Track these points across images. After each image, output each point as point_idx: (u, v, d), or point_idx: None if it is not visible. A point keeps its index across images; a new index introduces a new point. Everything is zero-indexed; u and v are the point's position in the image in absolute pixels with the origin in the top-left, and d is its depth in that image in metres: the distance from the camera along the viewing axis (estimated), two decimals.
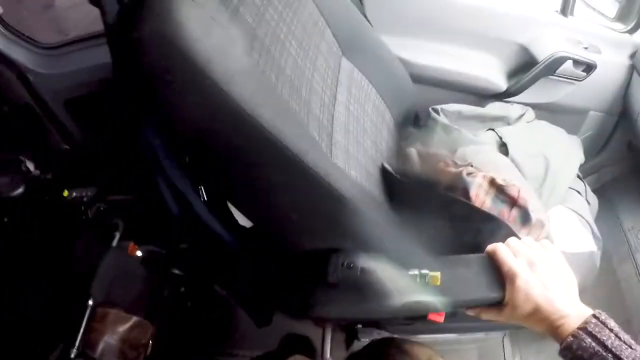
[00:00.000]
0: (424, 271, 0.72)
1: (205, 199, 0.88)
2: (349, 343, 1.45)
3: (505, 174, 1.02)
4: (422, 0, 1.32)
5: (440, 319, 1.03)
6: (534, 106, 1.40)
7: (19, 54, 1.24)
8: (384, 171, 1.00)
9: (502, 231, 0.91)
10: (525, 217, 0.97)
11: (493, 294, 0.74)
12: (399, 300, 0.73)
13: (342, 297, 0.76)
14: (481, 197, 0.96)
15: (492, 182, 0.98)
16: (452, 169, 1.00)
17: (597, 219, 1.30)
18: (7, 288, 1.18)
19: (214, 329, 1.45)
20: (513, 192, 0.97)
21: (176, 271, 1.36)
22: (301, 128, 0.74)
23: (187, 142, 0.70)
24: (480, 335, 1.48)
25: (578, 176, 1.33)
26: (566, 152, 1.27)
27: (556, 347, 1.50)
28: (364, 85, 1.05)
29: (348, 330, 1.44)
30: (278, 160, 0.64)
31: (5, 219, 1.22)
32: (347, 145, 0.88)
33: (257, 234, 0.93)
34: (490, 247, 0.75)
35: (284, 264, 0.84)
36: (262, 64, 0.75)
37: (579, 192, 1.28)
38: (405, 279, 0.72)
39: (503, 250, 0.73)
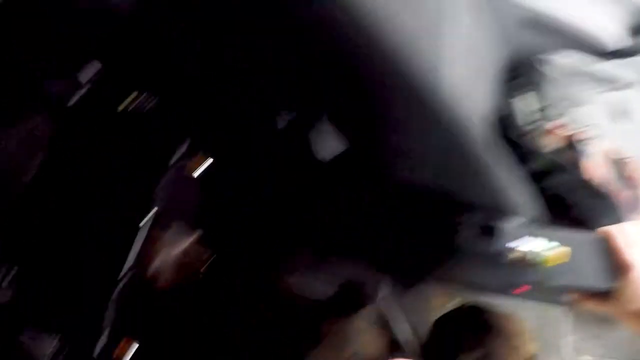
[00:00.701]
0: (554, 243, 0.64)
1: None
2: None
3: (622, 147, 0.89)
4: None
5: None
6: None
7: None
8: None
9: (613, 213, 0.80)
10: (638, 201, 0.85)
11: (604, 283, 0.66)
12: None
13: (469, 263, 0.69)
14: (598, 170, 0.84)
15: (608, 155, 0.85)
16: (563, 132, 0.88)
17: None
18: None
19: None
20: (630, 169, 0.85)
21: None
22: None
23: None
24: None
25: None
26: None
27: (615, 337, 1.41)
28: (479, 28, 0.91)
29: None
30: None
31: None
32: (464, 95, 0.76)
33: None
34: (604, 230, 0.66)
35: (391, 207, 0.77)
36: None
37: None
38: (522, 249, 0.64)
39: (619, 235, 0.64)
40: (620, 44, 1.21)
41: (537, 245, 0.64)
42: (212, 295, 1.23)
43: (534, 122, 0.93)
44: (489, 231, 0.65)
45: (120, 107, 1.08)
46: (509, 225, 0.66)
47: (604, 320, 1.49)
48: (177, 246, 1.10)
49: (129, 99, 1.08)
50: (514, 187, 0.71)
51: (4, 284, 1.14)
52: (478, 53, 0.90)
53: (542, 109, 0.96)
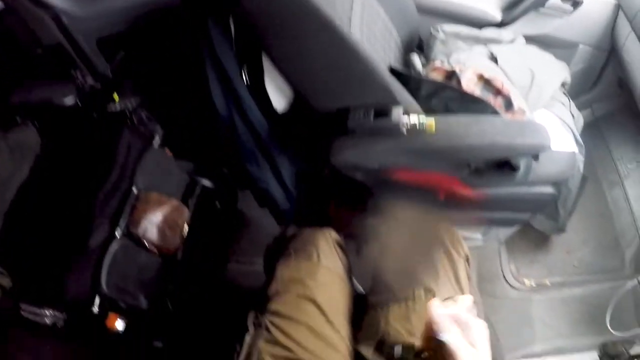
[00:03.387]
0: (422, 117, 1.04)
1: (248, 82, 1.20)
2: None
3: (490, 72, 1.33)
4: None
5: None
6: (525, 38, 1.70)
7: None
8: (391, 71, 1.31)
9: (487, 111, 1.22)
10: (508, 104, 1.28)
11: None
12: (404, 140, 1.05)
13: (358, 142, 1.08)
14: (471, 87, 1.27)
15: (481, 76, 1.29)
16: (447, 68, 1.32)
17: (590, 149, 1.59)
18: (56, 176, 1.47)
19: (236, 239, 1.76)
20: (498, 83, 1.28)
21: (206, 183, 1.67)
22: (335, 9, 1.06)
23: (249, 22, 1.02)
24: (477, 242, 1.79)
25: (564, 94, 1.64)
26: (551, 67, 1.57)
27: (550, 259, 1.80)
28: (374, 4, 1.36)
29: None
30: (320, 32, 0.97)
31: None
32: (362, 41, 1.19)
33: (289, 118, 1.25)
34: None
35: (312, 128, 1.16)
36: None
37: (563, 104, 1.59)
38: (410, 120, 1.03)
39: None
40: (493, 19, 1.70)
41: (418, 118, 1.04)
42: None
43: (425, 65, 1.38)
44: (384, 112, 1.04)
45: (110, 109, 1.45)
46: (397, 107, 1.05)
47: (538, 247, 1.89)
48: (158, 212, 1.42)
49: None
50: (400, 90, 1.11)
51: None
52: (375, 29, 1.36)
53: (432, 59, 1.41)
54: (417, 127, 1.04)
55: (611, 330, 1.52)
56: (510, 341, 1.65)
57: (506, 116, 1.27)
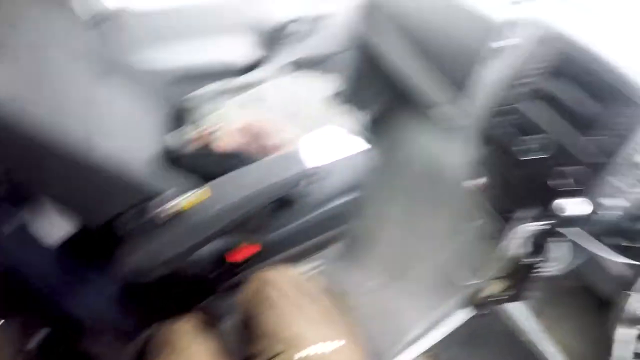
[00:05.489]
0: (194, 191, 1.04)
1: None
2: None
3: (253, 120, 1.38)
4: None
5: (255, 249, 1.33)
6: (290, 65, 1.77)
7: None
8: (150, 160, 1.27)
9: (250, 160, 1.24)
10: (274, 143, 1.33)
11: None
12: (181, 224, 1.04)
13: (138, 246, 1.06)
14: (232, 142, 1.30)
15: (240, 128, 1.33)
16: (205, 132, 1.34)
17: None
18: None
19: None
20: (256, 128, 1.33)
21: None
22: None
23: None
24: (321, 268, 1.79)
25: (340, 102, 1.74)
26: (317, 85, 1.66)
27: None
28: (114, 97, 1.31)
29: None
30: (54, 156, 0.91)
31: None
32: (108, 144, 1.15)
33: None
34: None
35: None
36: None
37: (341, 112, 1.68)
38: (179, 204, 1.02)
39: None
40: (250, 58, 1.73)
41: (178, 200, 1.04)
42: None
43: (184, 141, 1.38)
44: (142, 211, 1.03)
45: None
46: (160, 197, 1.05)
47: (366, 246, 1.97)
48: None
49: None
50: (160, 177, 1.11)
51: None
52: (134, 122, 1.33)
53: (188, 131, 1.42)
54: (179, 208, 1.03)
55: (464, 284, 1.60)
56: (386, 341, 1.67)
57: (276, 154, 1.31)
